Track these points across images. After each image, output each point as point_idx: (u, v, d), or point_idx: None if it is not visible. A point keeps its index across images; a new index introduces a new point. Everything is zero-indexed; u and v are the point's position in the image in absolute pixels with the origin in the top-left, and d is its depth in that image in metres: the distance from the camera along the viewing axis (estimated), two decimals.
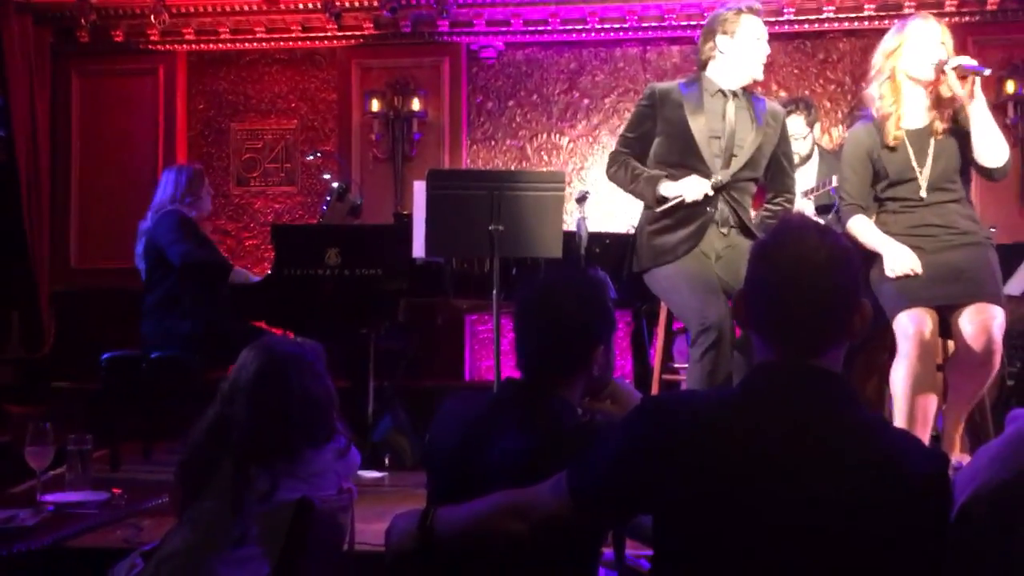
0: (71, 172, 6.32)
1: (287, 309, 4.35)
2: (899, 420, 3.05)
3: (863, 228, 3.17)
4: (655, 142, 3.36)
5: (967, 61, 3.03)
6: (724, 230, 3.28)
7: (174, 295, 4.52)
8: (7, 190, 5.99)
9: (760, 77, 3.34)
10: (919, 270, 3.03)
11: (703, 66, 3.35)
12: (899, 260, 3.05)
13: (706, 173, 3.25)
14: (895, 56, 3.11)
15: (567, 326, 1.80)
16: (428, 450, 1.93)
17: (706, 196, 3.22)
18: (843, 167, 3.30)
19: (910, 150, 3.12)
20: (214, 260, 4.61)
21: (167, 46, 6.33)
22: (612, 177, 3.46)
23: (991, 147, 3.05)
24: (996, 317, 2.98)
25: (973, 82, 2.98)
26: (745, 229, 3.31)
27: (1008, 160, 3.09)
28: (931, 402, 3.08)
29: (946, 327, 3.15)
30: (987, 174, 3.14)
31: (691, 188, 3.22)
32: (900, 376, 3.05)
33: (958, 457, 3.02)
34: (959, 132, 3.12)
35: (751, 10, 3.30)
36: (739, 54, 3.27)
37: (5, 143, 6.10)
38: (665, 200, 3.25)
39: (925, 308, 3.04)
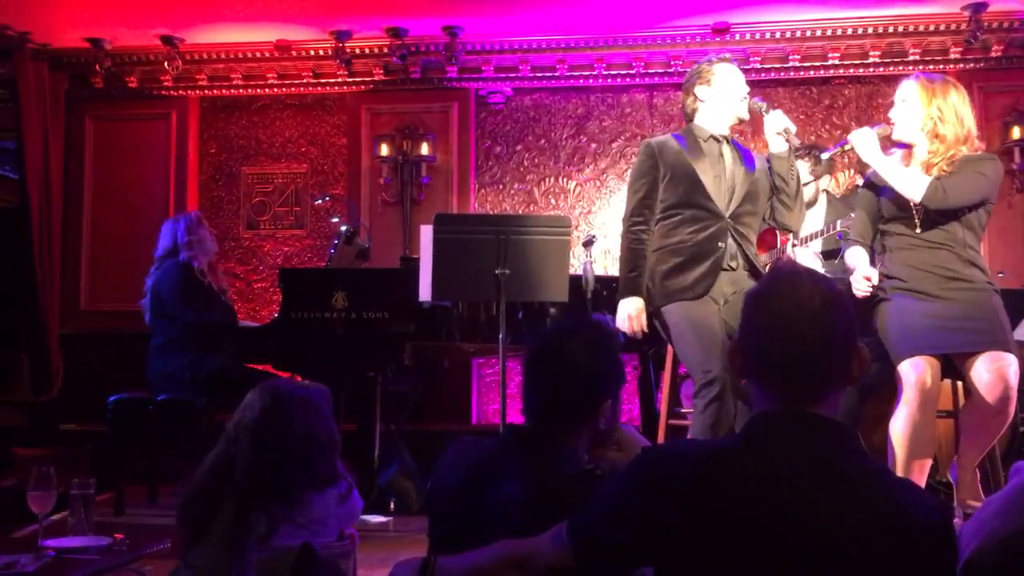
0: (83, 215, 6.38)
1: (294, 352, 4.36)
2: (895, 468, 3.03)
3: (852, 255, 3.33)
4: (660, 188, 3.35)
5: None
6: (733, 264, 3.28)
7: (179, 339, 4.53)
8: (19, 233, 6.05)
9: (746, 116, 3.43)
10: (874, 280, 3.18)
11: (689, 119, 3.46)
12: (859, 280, 3.20)
13: (714, 210, 3.28)
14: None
15: (577, 377, 1.79)
16: (430, 495, 1.91)
17: (715, 233, 3.26)
18: (855, 206, 3.49)
19: None
20: (219, 322, 4.63)
21: (180, 92, 6.42)
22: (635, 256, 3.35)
23: (903, 189, 3.13)
24: (1012, 364, 3.01)
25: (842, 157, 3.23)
26: (753, 270, 3.32)
27: (928, 190, 3.07)
28: (929, 451, 3.10)
29: (952, 369, 3.14)
30: (932, 212, 3.14)
31: None
32: (899, 423, 3.07)
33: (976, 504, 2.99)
34: (960, 176, 3.12)
35: (722, 59, 3.45)
36: (720, 97, 3.37)
37: (18, 186, 6.17)
38: None
39: (927, 356, 3.04)
